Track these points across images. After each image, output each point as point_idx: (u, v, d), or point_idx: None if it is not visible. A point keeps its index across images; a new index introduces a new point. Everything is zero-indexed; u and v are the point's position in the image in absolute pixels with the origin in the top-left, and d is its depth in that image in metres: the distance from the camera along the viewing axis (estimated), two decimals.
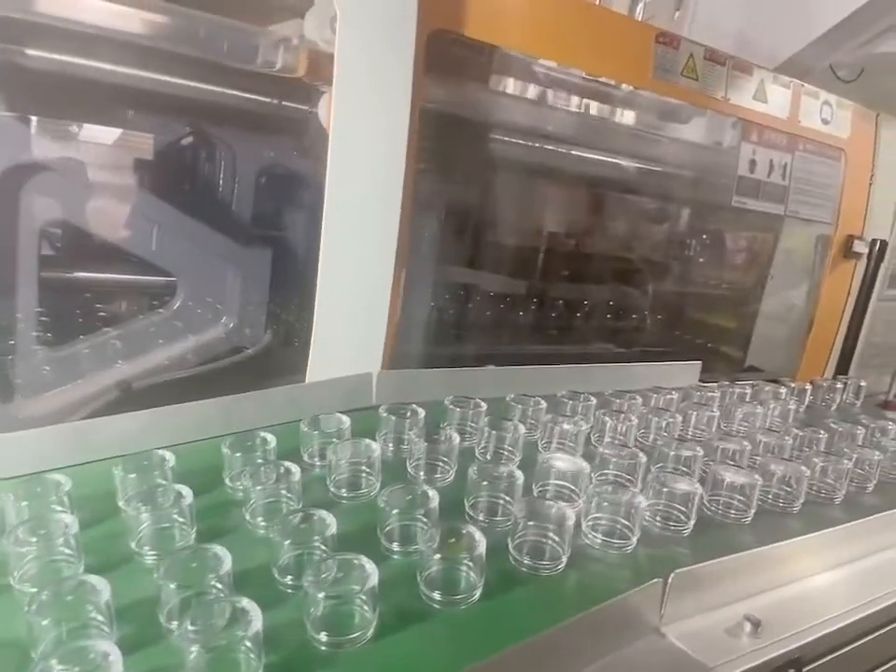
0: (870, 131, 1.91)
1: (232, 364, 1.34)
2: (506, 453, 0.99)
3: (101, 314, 1.29)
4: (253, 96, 1.33)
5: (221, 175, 1.42)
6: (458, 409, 1.04)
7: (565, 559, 0.74)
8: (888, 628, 0.82)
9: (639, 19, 1.97)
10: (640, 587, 0.65)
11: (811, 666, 0.74)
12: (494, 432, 0.97)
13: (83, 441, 0.91)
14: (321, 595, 0.60)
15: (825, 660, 0.75)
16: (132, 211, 1.37)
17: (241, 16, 1.20)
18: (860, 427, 1.21)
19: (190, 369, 1.31)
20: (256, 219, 1.43)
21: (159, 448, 0.89)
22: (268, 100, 1.34)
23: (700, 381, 1.64)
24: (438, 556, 0.67)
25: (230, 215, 1.42)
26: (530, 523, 0.74)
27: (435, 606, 0.66)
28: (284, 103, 1.36)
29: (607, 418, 1.10)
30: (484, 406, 1.06)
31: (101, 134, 1.39)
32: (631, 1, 2.17)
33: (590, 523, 0.81)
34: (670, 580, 0.66)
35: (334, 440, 0.92)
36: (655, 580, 0.66)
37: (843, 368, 2.00)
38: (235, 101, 1.32)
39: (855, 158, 1.87)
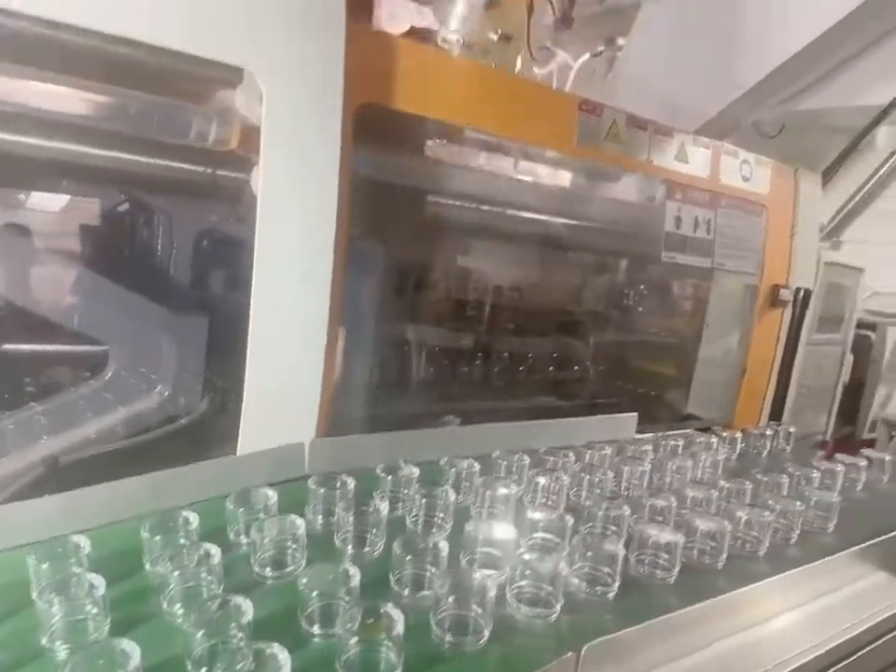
0: (789, 185, 2.02)
1: (167, 434, 1.32)
2: (437, 520, 0.99)
3: (28, 388, 1.26)
4: (186, 166, 1.35)
5: (156, 243, 1.42)
6: (390, 476, 1.04)
7: (487, 633, 0.74)
8: None
9: (569, 85, 2.07)
10: (552, 663, 0.66)
11: None
12: (424, 500, 0.98)
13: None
14: None
15: None
16: (63, 280, 1.36)
17: (174, 92, 1.22)
18: (784, 477, 1.25)
19: (122, 440, 1.28)
20: (191, 286, 1.43)
21: (81, 531, 0.87)
22: (201, 169, 1.36)
23: (639, 432, 1.68)
24: (355, 640, 0.67)
25: (165, 282, 1.42)
26: (450, 598, 0.74)
27: None
28: (218, 172, 1.37)
29: (539, 478, 1.11)
30: (416, 472, 1.06)
31: (33, 203, 1.39)
32: (559, 68, 2.28)
33: (514, 591, 0.82)
34: (583, 653, 0.67)
35: (261, 515, 0.92)
36: (568, 654, 0.66)
37: (777, 412, 2.07)
38: (168, 172, 1.34)
39: (776, 211, 1.98)
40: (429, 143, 1.53)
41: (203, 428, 1.32)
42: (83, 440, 1.24)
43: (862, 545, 1.05)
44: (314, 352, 1.19)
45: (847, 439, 2.98)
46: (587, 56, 3.00)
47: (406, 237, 1.64)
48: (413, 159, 1.52)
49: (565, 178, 1.83)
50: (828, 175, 2.30)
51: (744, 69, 2.26)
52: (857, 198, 3.35)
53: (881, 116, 2.17)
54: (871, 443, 3.01)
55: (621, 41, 2.80)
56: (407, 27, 1.70)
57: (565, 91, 1.84)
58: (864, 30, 2.12)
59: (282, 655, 0.62)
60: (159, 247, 1.43)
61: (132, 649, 0.63)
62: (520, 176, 1.77)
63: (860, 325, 2.83)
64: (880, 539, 1.07)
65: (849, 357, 2.45)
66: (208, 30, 1.01)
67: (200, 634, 0.66)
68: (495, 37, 1.66)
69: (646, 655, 0.77)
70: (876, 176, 3.32)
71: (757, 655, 0.85)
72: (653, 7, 2.50)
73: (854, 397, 2.94)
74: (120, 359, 1.33)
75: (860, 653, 0.95)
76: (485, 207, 1.75)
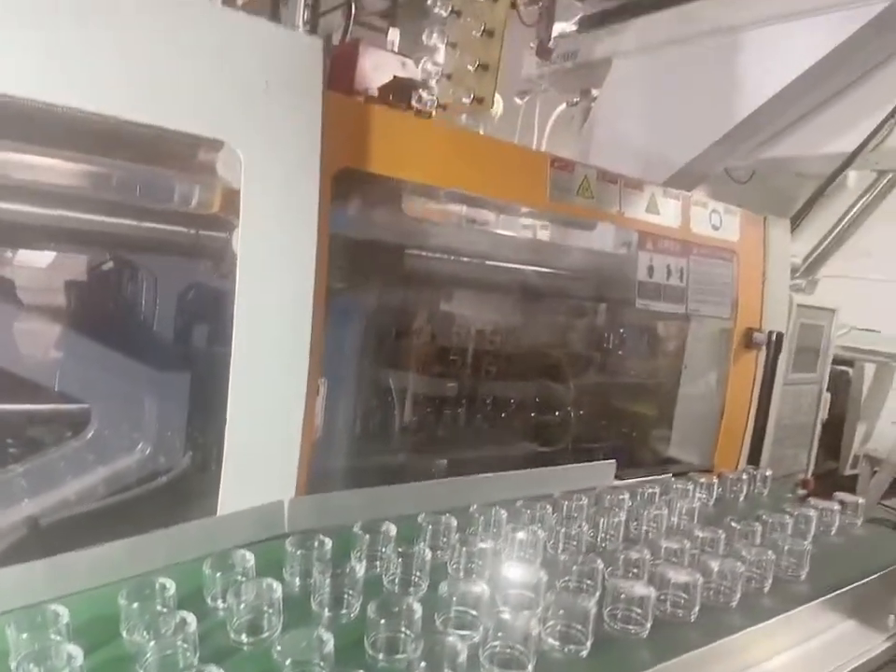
0: (759, 232, 2.09)
1: (150, 492, 1.33)
2: (414, 579, 1.00)
3: (10, 448, 1.27)
4: (170, 227, 1.39)
5: (139, 302, 1.45)
6: (367, 535, 1.06)
7: None
8: None
9: (545, 141, 2.14)
10: None
11: None
12: (400, 559, 0.99)
13: None
14: None
15: None
16: (47, 338, 1.39)
17: (159, 161, 1.27)
18: (758, 524, 1.27)
19: (104, 499, 1.29)
20: (173, 343, 1.46)
21: (60, 597, 0.89)
22: (184, 230, 1.40)
23: (621, 477, 1.70)
24: None
25: (147, 340, 1.45)
26: (422, 663, 0.75)
27: None
28: (200, 232, 1.41)
29: (515, 534, 1.13)
30: (394, 531, 1.08)
31: (18, 261, 1.42)
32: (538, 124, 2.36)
33: (487, 652, 0.83)
34: None
35: (238, 578, 0.93)
36: None
37: (755, 453, 2.10)
38: (152, 233, 1.37)
39: (747, 258, 2.04)
40: (408, 201, 1.58)
41: (185, 486, 1.33)
42: (64, 500, 1.24)
43: (831, 595, 1.07)
44: (293, 409, 1.21)
45: (831, 474, 3.02)
46: (564, 106, 3.11)
47: (387, 291, 1.67)
48: (393, 216, 1.57)
49: (541, 230, 1.88)
50: (797, 220, 2.37)
51: (713, 121, 2.35)
52: (831, 237, 3.45)
53: (846, 163, 2.26)
54: (854, 479, 3.04)
55: (595, 92, 2.91)
56: (390, 77, 1.77)
57: (537, 151, 1.91)
58: (825, 83, 2.22)
59: None
60: (141, 306, 1.46)
61: None
62: (498, 230, 1.83)
63: (838, 361, 2.89)
64: (849, 587, 1.10)
65: (826, 395, 2.50)
66: (187, 106, 1.06)
67: None
68: (472, 68, 1.70)
69: None
70: (849, 216, 3.43)
71: None
72: (626, 62, 2.60)
73: (836, 433, 2.99)
74: (103, 418, 1.34)
75: None
76: (465, 259, 1.79)
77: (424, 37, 1.94)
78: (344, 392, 1.57)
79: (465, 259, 1.79)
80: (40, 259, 1.43)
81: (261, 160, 1.14)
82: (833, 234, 3.42)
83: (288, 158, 1.17)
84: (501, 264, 1.87)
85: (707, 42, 2.44)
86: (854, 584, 1.11)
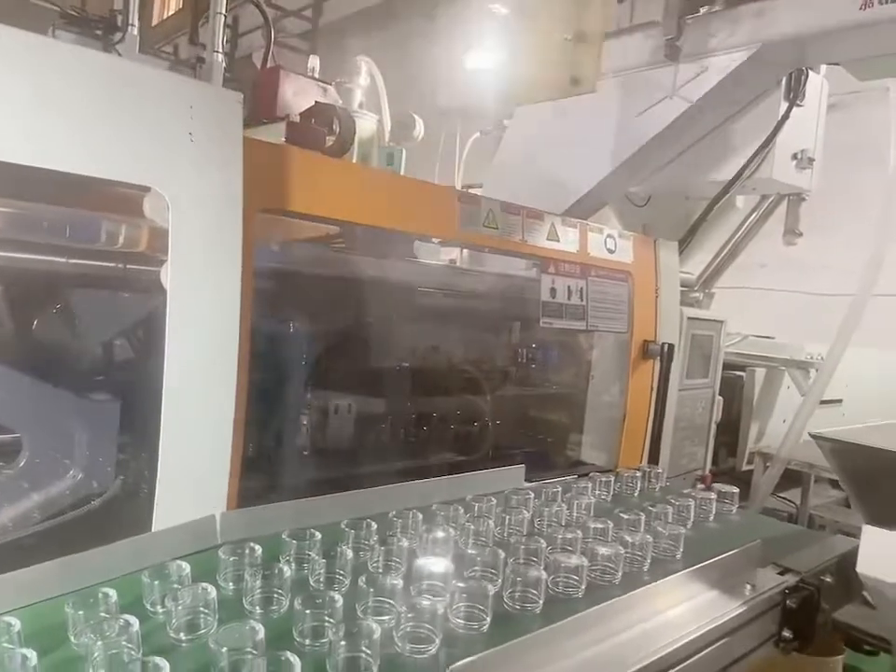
0: (650, 254, 2.32)
1: (82, 515, 1.39)
2: (338, 577, 1.13)
3: None
4: (98, 262, 1.47)
5: (69, 332, 1.52)
6: (295, 541, 1.17)
7: (375, 669, 0.89)
8: None
9: (460, 176, 2.31)
10: None
11: None
12: (325, 560, 1.12)
13: None
14: None
15: None
16: None
17: (87, 204, 1.36)
18: (642, 514, 1.46)
19: (39, 524, 1.35)
20: (104, 372, 1.53)
21: (10, 611, 0.96)
22: (113, 265, 1.48)
23: (530, 480, 1.87)
24: None
25: (78, 369, 1.51)
26: (342, 642, 0.88)
27: None
28: (129, 266, 1.50)
29: (429, 533, 1.27)
30: (318, 536, 1.20)
31: None
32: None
33: (401, 633, 0.97)
34: None
35: (175, 585, 1.03)
36: None
37: (654, 453, 2.31)
38: (83, 269, 1.45)
39: (640, 277, 2.26)
40: (330, 234, 1.71)
41: (120, 506, 1.40)
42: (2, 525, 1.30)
43: (695, 567, 1.26)
44: (222, 429, 1.31)
45: (731, 471, 3.31)
46: (478, 134, 3.31)
47: (310, 315, 1.79)
48: (314, 249, 1.69)
49: (456, 257, 2.04)
50: (685, 241, 2.63)
51: (609, 154, 2.59)
52: (724, 253, 3.78)
53: (725, 189, 2.54)
54: (750, 474, 3.33)
55: (506, 122, 3.12)
56: (312, 102, 1.89)
57: (446, 186, 2.08)
58: (705, 118, 2.50)
59: None
60: (72, 337, 1.52)
61: None
62: (417, 257, 1.98)
63: (733, 367, 3.18)
64: (711, 560, 1.29)
65: (719, 399, 2.75)
66: (116, 155, 1.16)
67: None
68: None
69: None
70: (738, 234, 3.76)
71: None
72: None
73: (733, 432, 3.28)
74: (34, 446, 1.40)
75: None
76: (385, 285, 1.93)
77: None
78: (270, 413, 1.67)
79: (385, 284, 1.93)
80: None
81: (187, 202, 1.25)
82: (726, 251, 3.74)
83: (213, 200, 1.28)
84: (422, 289, 2.02)
85: (605, 80, 2.68)
86: (716, 558, 1.30)
